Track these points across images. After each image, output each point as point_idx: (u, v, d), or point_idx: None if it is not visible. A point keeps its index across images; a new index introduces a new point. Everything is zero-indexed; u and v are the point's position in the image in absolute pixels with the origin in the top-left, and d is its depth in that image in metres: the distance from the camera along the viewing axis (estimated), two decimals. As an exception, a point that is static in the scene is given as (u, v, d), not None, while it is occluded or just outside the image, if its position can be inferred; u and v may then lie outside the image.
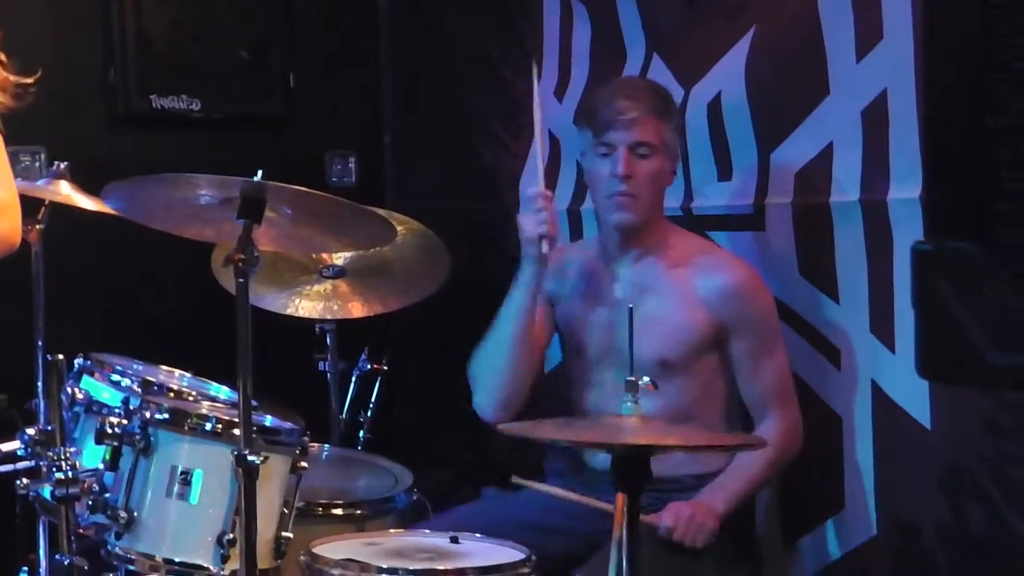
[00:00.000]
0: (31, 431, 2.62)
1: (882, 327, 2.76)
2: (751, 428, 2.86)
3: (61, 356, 2.61)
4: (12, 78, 2.19)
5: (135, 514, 2.48)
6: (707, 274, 2.84)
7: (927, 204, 2.54)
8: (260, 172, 2.34)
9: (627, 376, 2.27)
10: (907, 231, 2.65)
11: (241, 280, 2.31)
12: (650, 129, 2.80)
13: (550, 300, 3.00)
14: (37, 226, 3.02)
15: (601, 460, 2.82)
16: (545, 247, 2.83)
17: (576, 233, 3.55)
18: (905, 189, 2.65)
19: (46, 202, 3.00)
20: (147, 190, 2.51)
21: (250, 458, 2.30)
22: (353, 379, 3.56)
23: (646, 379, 2.26)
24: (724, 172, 3.16)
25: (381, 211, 2.82)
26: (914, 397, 2.70)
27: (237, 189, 2.35)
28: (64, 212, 3.05)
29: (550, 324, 3.01)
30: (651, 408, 2.30)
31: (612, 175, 2.81)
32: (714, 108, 3.14)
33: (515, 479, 2.74)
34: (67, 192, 3.01)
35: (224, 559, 2.44)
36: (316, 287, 3.42)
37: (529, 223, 2.84)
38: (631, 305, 2.37)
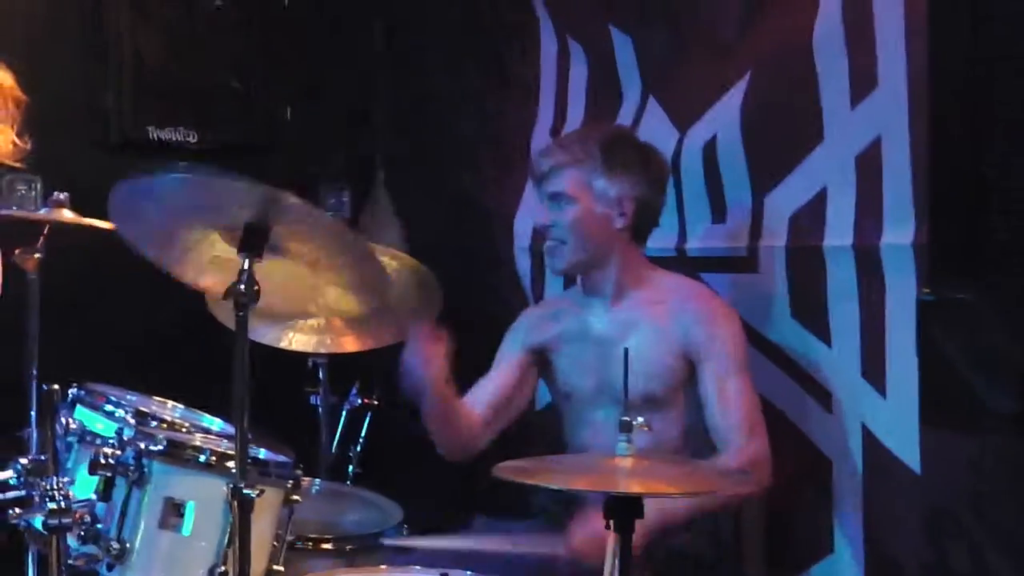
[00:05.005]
0: (24, 460, 2.61)
1: (873, 372, 2.78)
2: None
3: (56, 386, 2.60)
4: (22, 144, 2.19)
5: (127, 545, 2.47)
6: (680, 306, 2.87)
7: (920, 250, 2.57)
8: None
9: (618, 415, 2.28)
10: (900, 276, 2.68)
11: (241, 314, 2.31)
12: (565, 180, 2.88)
13: (532, 351, 3.03)
14: (35, 255, 3.03)
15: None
16: None
17: (570, 280, 3.53)
18: (898, 235, 2.68)
19: (45, 231, 3.01)
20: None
21: (246, 491, 2.30)
22: (343, 413, 3.56)
23: (640, 419, 2.27)
24: (718, 214, 3.18)
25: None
26: (904, 442, 2.71)
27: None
28: (60, 242, 3.06)
29: (531, 376, 3.06)
30: (642, 445, 2.30)
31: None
32: (709, 150, 3.17)
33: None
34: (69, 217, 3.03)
35: (216, 591, 2.43)
36: (310, 321, 3.41)
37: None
38: (626, 346, 2.39)
